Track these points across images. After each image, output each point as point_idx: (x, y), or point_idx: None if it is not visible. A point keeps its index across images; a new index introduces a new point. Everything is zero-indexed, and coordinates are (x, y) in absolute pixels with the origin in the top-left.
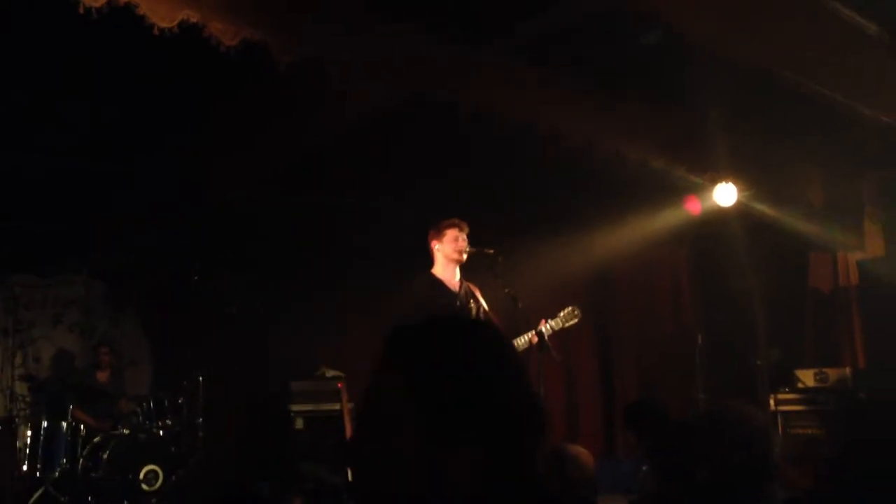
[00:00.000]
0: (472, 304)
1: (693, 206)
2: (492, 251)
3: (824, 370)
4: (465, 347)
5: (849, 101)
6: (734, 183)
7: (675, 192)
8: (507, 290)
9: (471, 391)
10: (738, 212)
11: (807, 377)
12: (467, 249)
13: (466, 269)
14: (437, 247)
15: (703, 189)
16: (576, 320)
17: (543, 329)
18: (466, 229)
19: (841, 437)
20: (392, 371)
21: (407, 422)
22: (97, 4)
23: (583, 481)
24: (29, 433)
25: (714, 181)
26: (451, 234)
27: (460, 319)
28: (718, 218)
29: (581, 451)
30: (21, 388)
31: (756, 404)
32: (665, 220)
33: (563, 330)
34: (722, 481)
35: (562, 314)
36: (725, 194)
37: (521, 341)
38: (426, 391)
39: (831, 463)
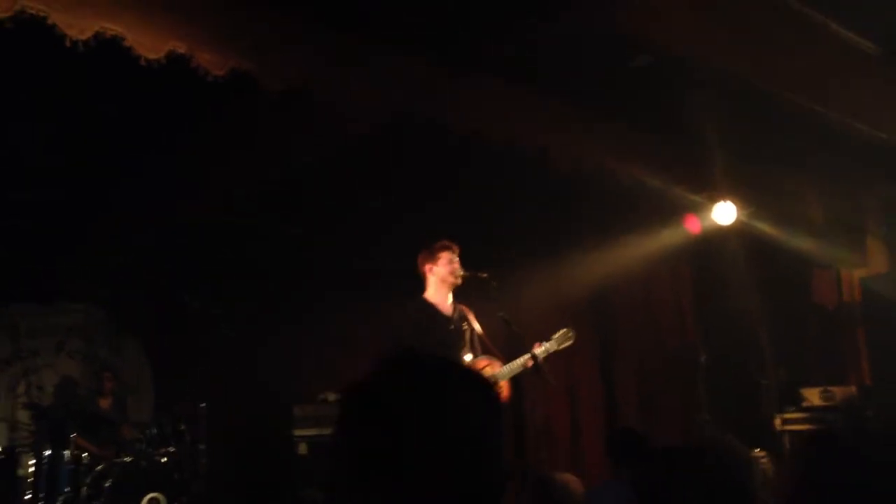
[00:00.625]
0: (466, 328)
1: (692, 225)
2: (485, 275)
3: (830, 388)
4: (416, 394)
5: (847, 118)
6: (733, 201)
7: (674, 212)
8: (500, 314)
9: (401, 437)
10: (739, 230)
11: (812, 396)
12: (461, 273)
13: (458, 292)
14: (430, 270)
15: (702, 208)
16: (570, 342)
17: (538, 352)
18: (458, 251)
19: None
20: (348, 403)
21: (343, 453)
22: (84, 37)
23: None
24: (32, 462)
25: (713, 200)
26: (444, 256)
27: (440, 367)
28: (719, 236)
29: (570, 479)
30: (24, 417)
31: (761, 424)
32: (664, 239)
33: (559, 352)
34: None
35: (556, 336)
36: (724, 213)
37: (516, 364)
38: (358, 428)
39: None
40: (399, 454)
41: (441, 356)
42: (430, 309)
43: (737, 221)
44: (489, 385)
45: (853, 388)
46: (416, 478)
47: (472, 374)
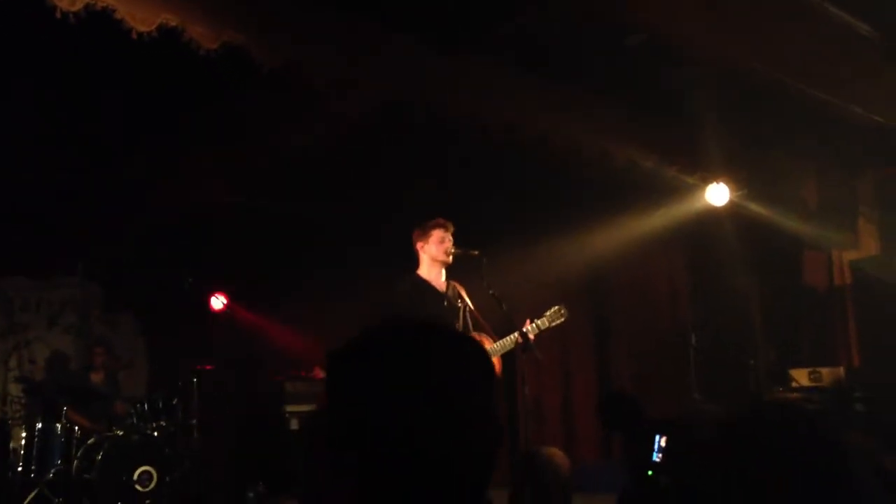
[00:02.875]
0: (460, 304)
1: None
2: (476, 252)
3: (818, 369)
4: (392, 357)
5: (842, 101)
6: (726, 183)
7: (667, 193)
8: (491, 292)
9: (388, 399)
10: (732, 212)
11: (801, 376)
12: (453, 251)
13: (451, 269)
14: (422, 247)
15: (695, 189)
16: (562, 319)
17: (527, 329)
18: (452, 229)
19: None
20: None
21: (331, 415)
22: (74, 9)
23: (557, 484)
24: (23, 435)
25: (706, 181)
26: (436, 234)
27: (427, 333)
28: (712, 218)
29: (555, 453)
30: (15, 390)
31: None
32: (658, 220)
33: (552, 329)
34: (686, 483)
35: (548, 313)
36: (717, 194)
37: (507, 341)
38: (333, 390)
39: None
40: (385, 416)
41: (431, 320)
42: (423, 285)
43: (730, 203)
44: (480, 348)
45: (841, 370)
46: (402, 441)
47: (462, 336)
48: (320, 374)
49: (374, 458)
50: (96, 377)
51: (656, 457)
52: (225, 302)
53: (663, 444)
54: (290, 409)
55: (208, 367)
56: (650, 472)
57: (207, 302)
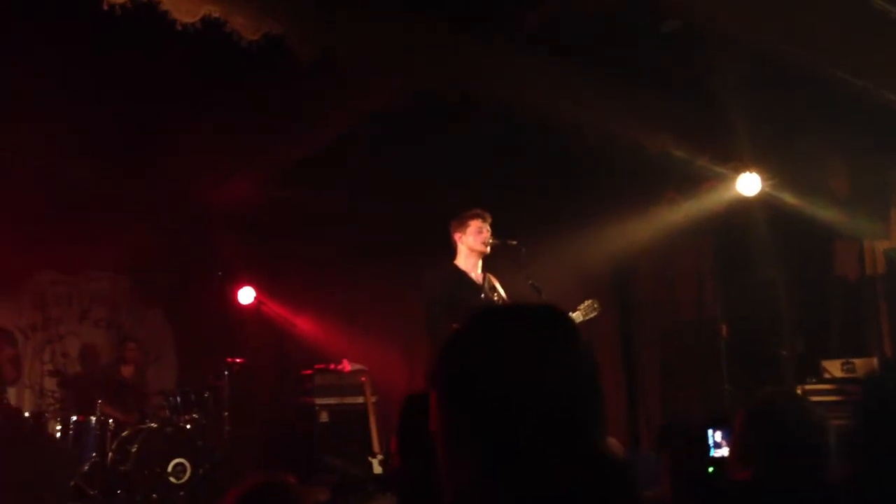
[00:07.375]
0: (495, 297)
1: None
2: (515, 242)
3: (851, 360)
4: (511, 339)
5: (875, 87)
6: (758, 172)
7: (698, 183)
8: (530, 282)
9: (483, 385)
10: (763, 201)
11: (833, 368)
12: (491, 241)
13: (488, 260)
14: (460, 238)
15: (726, 179)
16: (595, 313)
17: None
18: (489, 219)
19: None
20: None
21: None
22: (121, 1)
23: None
24: (59, 428)
25: (737, 171)
26: (474, 225)
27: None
28: (742, 208)
29: (611, 442)
30: (50, 384)
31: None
32: (688, 210)
33: (583, 323)
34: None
35: (582, 307)
36: (749, 184)
37: None
38: (450, 378)
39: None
40: (492, 381)
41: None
42: (461, 275)
43: (761, 192)
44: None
45: (874, 361)
46: (507, 401)
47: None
48: (348, 366)
49: (486, 419)
50: (127, 371)
51: (714, 453)
52: (254, 295)
53: (718, 439)
54: (319, 401)
55: (239, 361)
56: (711, 469)
57: (236, 295)
